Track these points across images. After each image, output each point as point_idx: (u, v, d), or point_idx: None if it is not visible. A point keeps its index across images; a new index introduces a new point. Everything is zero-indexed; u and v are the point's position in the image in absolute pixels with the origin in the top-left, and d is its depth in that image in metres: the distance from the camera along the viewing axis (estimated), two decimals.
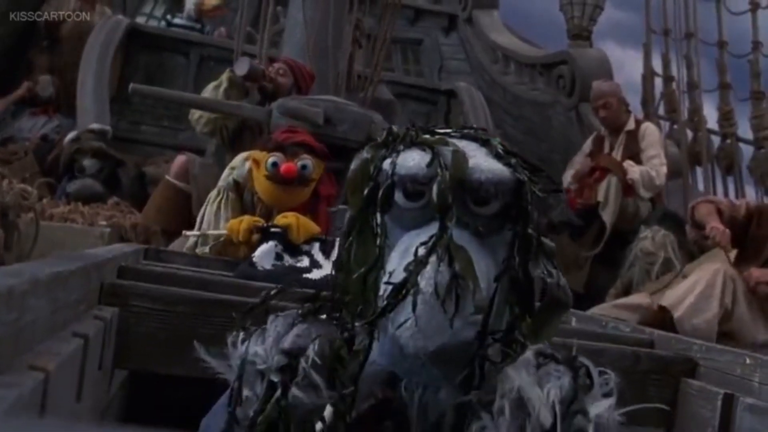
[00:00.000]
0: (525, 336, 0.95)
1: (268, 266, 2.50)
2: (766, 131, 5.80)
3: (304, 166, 2.95)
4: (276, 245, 2.56)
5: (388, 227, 0.97)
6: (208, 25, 7.60)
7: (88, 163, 5.03)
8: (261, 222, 2.73)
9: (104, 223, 4.47)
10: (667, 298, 3.85)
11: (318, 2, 5.02)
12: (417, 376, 0.94)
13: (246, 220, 2.73)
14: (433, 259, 0.89)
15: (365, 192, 0.98)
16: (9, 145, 5.67)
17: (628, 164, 5.07)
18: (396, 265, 0.92)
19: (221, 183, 3.13)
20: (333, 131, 3.67)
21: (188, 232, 2.97)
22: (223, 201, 3.09)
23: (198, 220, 3.14)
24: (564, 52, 7.07)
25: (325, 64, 4.99)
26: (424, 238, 0.91)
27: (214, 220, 3.04)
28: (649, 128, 5.28)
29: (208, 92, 4.30)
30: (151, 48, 6.71)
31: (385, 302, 0.90)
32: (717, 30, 6.29)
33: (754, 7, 5.92)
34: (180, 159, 4.34)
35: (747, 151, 6.12)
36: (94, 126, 5.29)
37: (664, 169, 5.08)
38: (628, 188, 4.99)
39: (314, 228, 2.74)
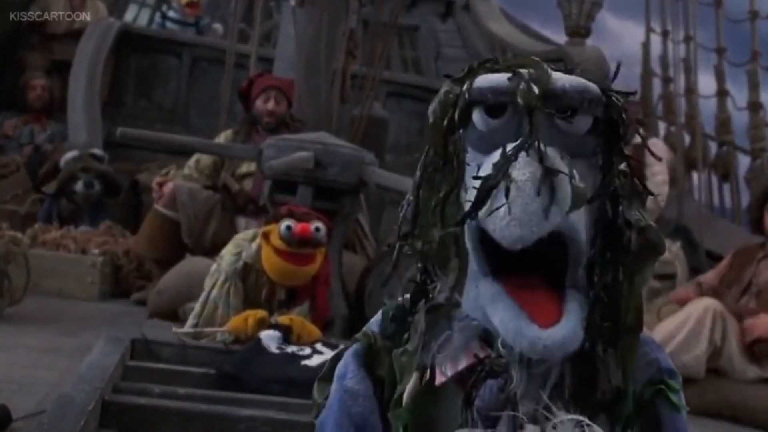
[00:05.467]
0: (620, 283, 0.92)
1: (273, 348, 2.65)
2: (762, 142, 5.78)
3: (317, 228, 3.09)
4: (281, 336, 2.72)
5: (468, 156, 0.94)
6: (205, 18, 7.48)
7: (80, 185, 5.03)
8: (265, 316, 2.85)
9: (96, 251, 4.48)
10: (658, 333, 3.86)
11: (310, 16, 4.94)
12: None
13: (251, 317, 2.83)
14: (522, 154, 0.86)
15: (446, 118, 0.94)
16: (0, 157, 5.64)
17: None
18: (484, 166, 0.88)
19: (228, 268, 3.11)
20: (324, 174, 3.67)
21: (181, 330, 2.95)
22: (232, 289, 3.10)
23: (200, 301, 3.12)
24: (561, 50, 6.98)
25: (317, 80, 4.93)
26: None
27: (222, 307, 3.06)
28: (656, 144, 5.34)
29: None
30: (143, 50, 6.63)
31: (473, 199, 0.86)
32: (716, 36, 6.22)
33: (753, 16, 5.84)
34: (169, 186, 4.31)
35: (745, 161, 6.11)
36: (96, 152, 5.31)
37: (665, 188, 5.10)
38: None
39: (315, 333, 2.87)
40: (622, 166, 0.94)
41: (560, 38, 7.43)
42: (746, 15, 5.97)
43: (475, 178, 0.88)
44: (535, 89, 0.88)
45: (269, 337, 2.71)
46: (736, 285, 3.93)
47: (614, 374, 0.91)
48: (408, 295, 1.00)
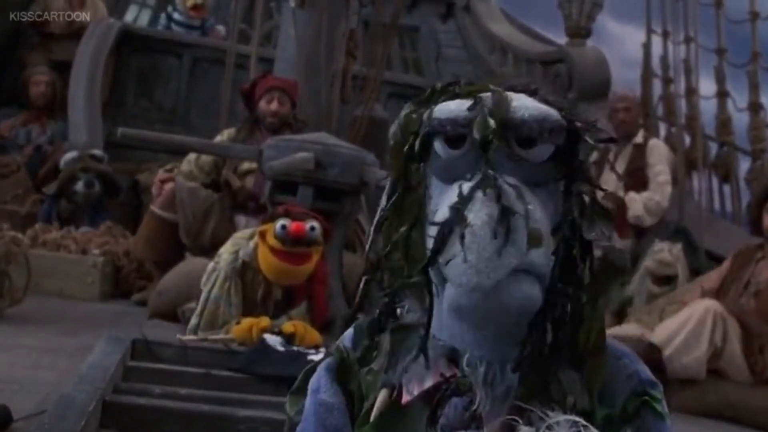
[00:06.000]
0: (582, 306, 0.91)
1: (279, 347, 2.75)
2: (763, 143, 5.78)
3: (312, 228, 3.12)
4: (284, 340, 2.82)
5: (431, 183, 0.94)
6: (210, 19, 7.46)
7: (80, 185, 5.06)
8: (268, 325, 2.90)
9: (97, 251, 4.48)
10: (658, 335, 3.87)
11: (310, 17, 4.94)
12: (479, 350, 0.91)
13: (255, 326, 2.88)
14: (479, 194, 0.85)
15: (406, 147, 0.94)
16: (1, 157, 5.63)
17: (630, 199, 5.07)
18: (440, 208, 0.88)
19: (226, 266, 3.12)
20: (324, 175, 3.65)
21: (186, 337, 2.96)
22: (232, 288, 3.12)
23: (201, 300, 3.13)
24: (562, 51, 6.97)
25: (317, 80, 4.93)
26: (468, 179, 0.87)
27: (224, 306, 3.09)
28: (657, 145, 5.37)
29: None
30: (143, 50, 6.63)
31: (432, 247, 0.86)
32: (716, 37, 6.22)
33: (754, 17, 5.84)
34: (168, 187, 4.31)
35: (745, 161, 6.12)
36: (96, 152, 5.34)
37: (668, 188, 5.10)
38: (623, 227, 4.98)
39: (317, 338, 2.93)
40: (585, 188, 0.93)
41: (561, 39, 7.44)
42: (747, 16, 5.97)
43: (432, 224, 0.88)
44: (492, 123, 0.87)
45: (274, 340, 2.79)
46: (734, 285, 3.95)
47: (580, 397, 0.91)
48: (377, 317, 1.01)
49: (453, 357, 0.92)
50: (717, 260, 4.95)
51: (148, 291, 4.24)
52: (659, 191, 5.09)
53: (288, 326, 2.88)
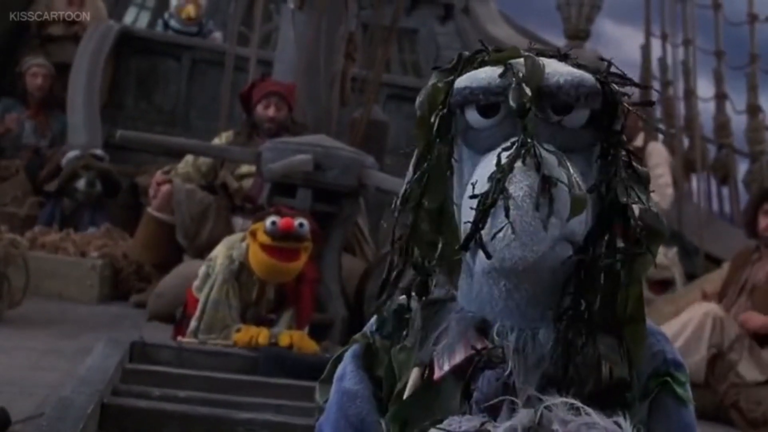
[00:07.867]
0: (618, 271, 0.89)
1: None
2: (761, 145, 5.79)
3: (301, 224, 3.15)
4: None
5: (462, 154, 0.91)
6: (208, 24, 7.44)
7: (82, 183, 5.08)
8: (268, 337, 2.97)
9: (96, 254, 4.48)
10: None
11: (310, 19, 4.95)
12: (510, 319, 0.89)
13: (254, 339, 2.97)
14: (518, 163, 0.83)
15: (434, 118, 0.92)
16: (1, 160, 5.62)
17: None
18: (479, 179, 0.86)
19: (224, 269, 3.14)
20: (323, 177, 3.66)
21: (185, 340, 2.99)
22: (230, 292, 3.15)
23: (200, 304, 3.14)
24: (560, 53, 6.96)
25: (316, 83, 4.93)
26: (504, 148, 0.85)
27: (224, 309, 3.13)
28: (656, 148, 5.40)
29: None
30: (142, 52, 6.64)
31: (473, 219, 0.84)
32: (714, 39, 6.23)
33: (752, 19, 5.86)
34: (164, 189, 4.31)
35: (744, 163, 6.14)
36: (98, 152, 5.37)
37: (670, 191, 5.10)
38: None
39: (313, 347, 3.01)
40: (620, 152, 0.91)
41: (559, 41, 7.43)
42: (745, 18, 5.99)
43: (472, 197, 0.85)
44: (527, 90, 0.85)
45: None
46: (733, 286, 3.98)
47: (618, 365, 0.89)
48: (406, 295, 0.99)
49: (483, 327, 0.90)
50: (716, 262, 4.95)
51: (147, 293, 4.24)
52: (660, 194, 5.10)
53: (284, 338, 2.96)
